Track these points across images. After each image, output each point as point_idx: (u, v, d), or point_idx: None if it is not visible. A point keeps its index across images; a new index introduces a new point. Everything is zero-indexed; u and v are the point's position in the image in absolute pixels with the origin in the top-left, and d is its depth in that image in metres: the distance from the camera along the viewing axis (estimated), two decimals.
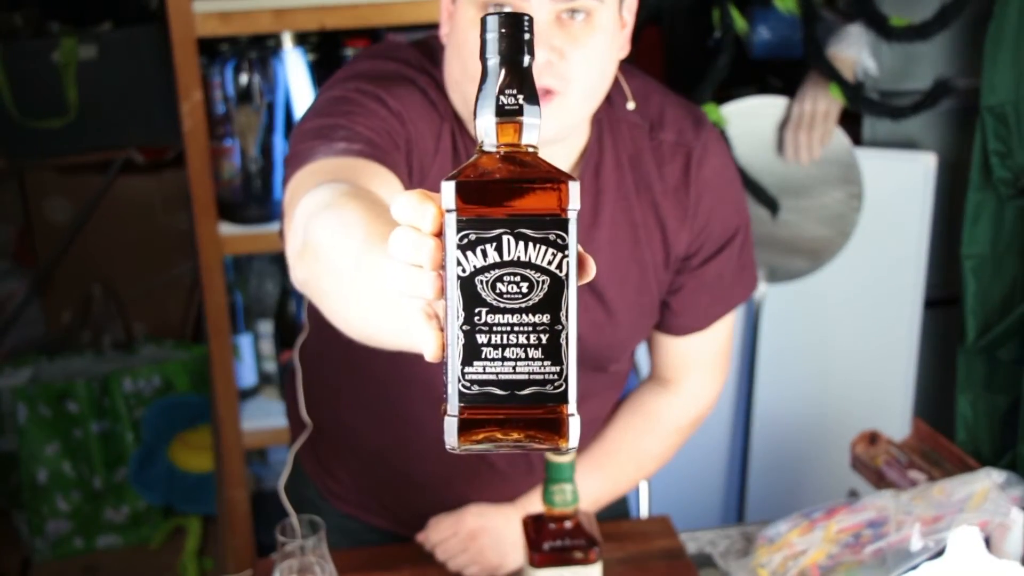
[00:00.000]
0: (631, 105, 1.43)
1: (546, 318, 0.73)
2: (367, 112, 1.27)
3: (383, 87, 1.31)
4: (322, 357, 1.57)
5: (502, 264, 0.72)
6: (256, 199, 2.38)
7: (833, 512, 1.55)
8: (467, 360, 0.73)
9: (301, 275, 1.04)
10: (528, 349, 0.73)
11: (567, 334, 0.73)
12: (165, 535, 3.11)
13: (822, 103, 2.23)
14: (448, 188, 0.72)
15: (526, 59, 0.75)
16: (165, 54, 2.42)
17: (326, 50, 2.46)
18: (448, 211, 0.72)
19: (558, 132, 1.32)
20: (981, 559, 1.33)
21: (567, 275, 0.73)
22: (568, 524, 1.34)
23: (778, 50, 2.46)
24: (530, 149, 0.76)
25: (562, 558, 1.34)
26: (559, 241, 0.72)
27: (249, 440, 2.46)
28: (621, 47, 1.35)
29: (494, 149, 0.75)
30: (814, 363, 2.40)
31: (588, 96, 1.31)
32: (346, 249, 0.93)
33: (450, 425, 0.74)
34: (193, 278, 3.34)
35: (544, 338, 0.73)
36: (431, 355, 0.75)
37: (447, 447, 0.74)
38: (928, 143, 2.34)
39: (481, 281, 0.72)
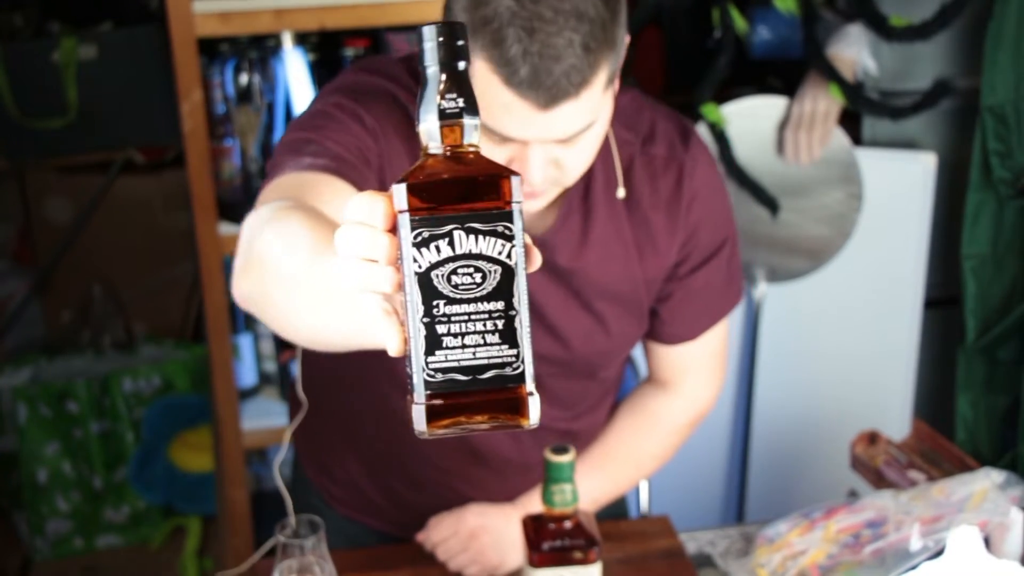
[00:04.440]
0: (621, 193, 1.42)
1: (500, 304, 0.78)
2: (341, 127, 1.27)
3: (362, 102, 1.31)
4: (319, 358, 1.58)
5: (456, 258, 0.77)
6: (256, 199, 2.37)
7: (833, 512, 1.55)
8: (429, 350, 0.77)
9: (245, 289, 1.08)
10: (486, 335, 0.78)
11: (521, 318, 0.78)
12: (165, 535, 3.11)
13: (822, 103, 2.23)
14: (399, 190, 0.76)
15: (462, 64, 0.79)
16: (165, 54, 2.42)
17: (326, 50, 2.46)
18: (401, 212, 0.76)
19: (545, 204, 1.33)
20: (980, 559, 1.33)
21: (516, 263, 0.78)
22: (568, 524, 1.34)
23: (778, 50, 2.46)
24: (472, 148, 0.80)
25: (562, 558, 1.34)
26: (507, 232, 0.77)
27: (249, 440, 2.46)
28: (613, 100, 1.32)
29: (440, 151, 0.80)
30: (814, 363, 2.40)
31: (585, 168, 1.31)
32: (294, 257, 0.97)
33: (418, 413, 0.78)
34: (193, 278, 3.34)
35: (500, 324, 0.78)
36: (394, 350, 0.78)
37: (416, 433, 0.78)
38: (928, 143, 2.34)
39: (437, 275, 0.77)
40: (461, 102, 0.79)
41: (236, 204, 2.37)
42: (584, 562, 1.34)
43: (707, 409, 1.63)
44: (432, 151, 0.80)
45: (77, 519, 3.07)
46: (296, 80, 2.32)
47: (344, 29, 2.32)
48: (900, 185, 2.29)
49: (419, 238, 0.76)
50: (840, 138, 2.27)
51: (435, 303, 0.77)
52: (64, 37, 3.11)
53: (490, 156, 0.97)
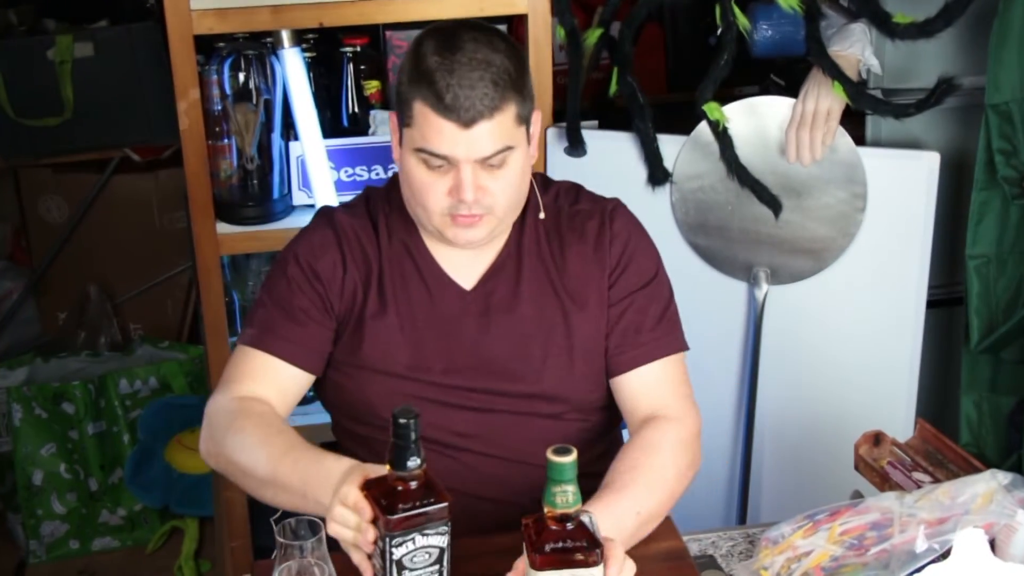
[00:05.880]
0: (541, 215, 1.72)
1: (437, 567, 1.33)
2: (291, 290, 1.67)
3: (313, 242, 1.70)
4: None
5: (416, 549, 1.30)
6: (253, 198, 2.36)
7: (837, 514, 1.54)
8: None
9: (213, 464, 1.61)
10: None
11: (447, 571, 1.34)
12: (161, 537, 3.10)
13: (825, 102, 2.22)
14: (382, 528, 1.29)
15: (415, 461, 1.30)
16: (162, 52, 2.42)
17: (324, 48, 2.45)
18: (385, 530, 1.29)
19: (486, 237, 1.64)
20: (986, 561, 1.33)
21: (448, 543, 1.32)
22: (569, 525, 1.33)
23: (780, 48, 2.45)
24: (420, 471, 1.31)
25: (564, 560, 1.32)
26: (445, 530, 1.31)
27: None
28: (532, 155, 1.64)
29: (405, 485, 1.30)
30: (817, 364, 2.39)
31: (510, 207, 1.63)
32: (256, 465, 1.51)
33: None
34: (190, 278, 3.34)
35: None
36: None
37: None
38: (932, 142, 2.33)
39: (406, 557, 1.30)
40: (417, 460, 1.30)
41: (233, 203, 2.36)
42: (586, 564, 1.32)
43: (699, 425, 1.68)
44: (401, 483, 1.30)
45: (73, 521, 3.06)
46: (294, 78, 2.31)
47: (342, 26, 2.31)
48: (904, 185, 2.28)
49: (398, 544, 1.29)
50: (843, 137, 2.26)
51: (403, 572, 1.31)
52: (60, 35, 3.10)
53: (434, 184, 1.56)
